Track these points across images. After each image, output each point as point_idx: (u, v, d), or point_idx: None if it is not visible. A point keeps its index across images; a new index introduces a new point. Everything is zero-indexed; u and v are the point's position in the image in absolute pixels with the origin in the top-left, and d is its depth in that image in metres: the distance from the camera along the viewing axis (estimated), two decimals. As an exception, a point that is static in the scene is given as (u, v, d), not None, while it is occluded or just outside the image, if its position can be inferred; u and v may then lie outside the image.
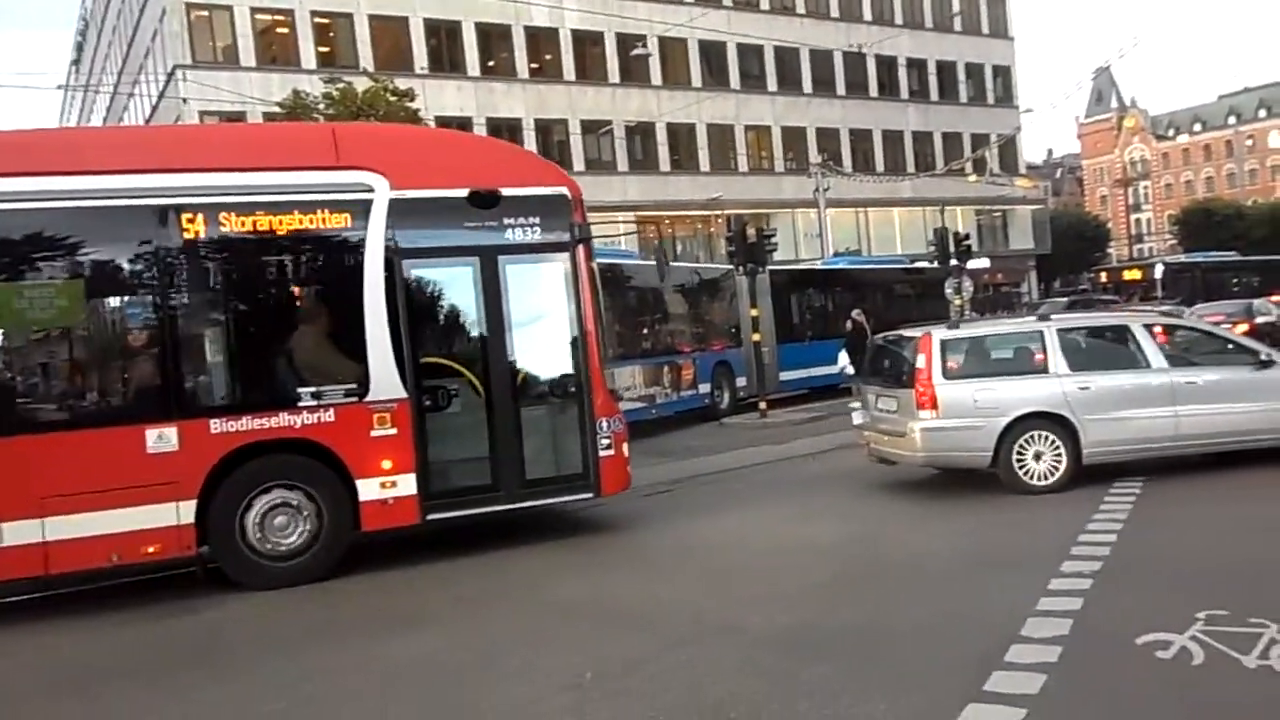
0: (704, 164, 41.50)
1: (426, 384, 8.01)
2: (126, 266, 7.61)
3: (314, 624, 6.80)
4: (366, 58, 33.99)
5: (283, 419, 7.60)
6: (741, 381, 19.53)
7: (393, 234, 7.94)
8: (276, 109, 28.47)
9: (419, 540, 8.48)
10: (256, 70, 32.94)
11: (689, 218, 40.56)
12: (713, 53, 42.19)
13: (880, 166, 46.10)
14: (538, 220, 8.41)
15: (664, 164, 40.43)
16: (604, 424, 8.44)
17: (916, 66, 48.17)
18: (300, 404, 7.64)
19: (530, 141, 36.07)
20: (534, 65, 38.71)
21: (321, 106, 27.82)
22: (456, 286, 8.38)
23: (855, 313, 19.15)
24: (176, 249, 7.60)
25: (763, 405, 17.98)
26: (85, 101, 53.59)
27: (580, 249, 8.52)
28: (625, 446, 8.67)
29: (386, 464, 7.79)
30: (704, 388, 18.68)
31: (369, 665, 5.64)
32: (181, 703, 5.32)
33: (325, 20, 35.04)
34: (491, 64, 37.91)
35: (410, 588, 7.55)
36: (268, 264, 8.00)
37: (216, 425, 7.45)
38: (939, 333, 9.50)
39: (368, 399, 7.78)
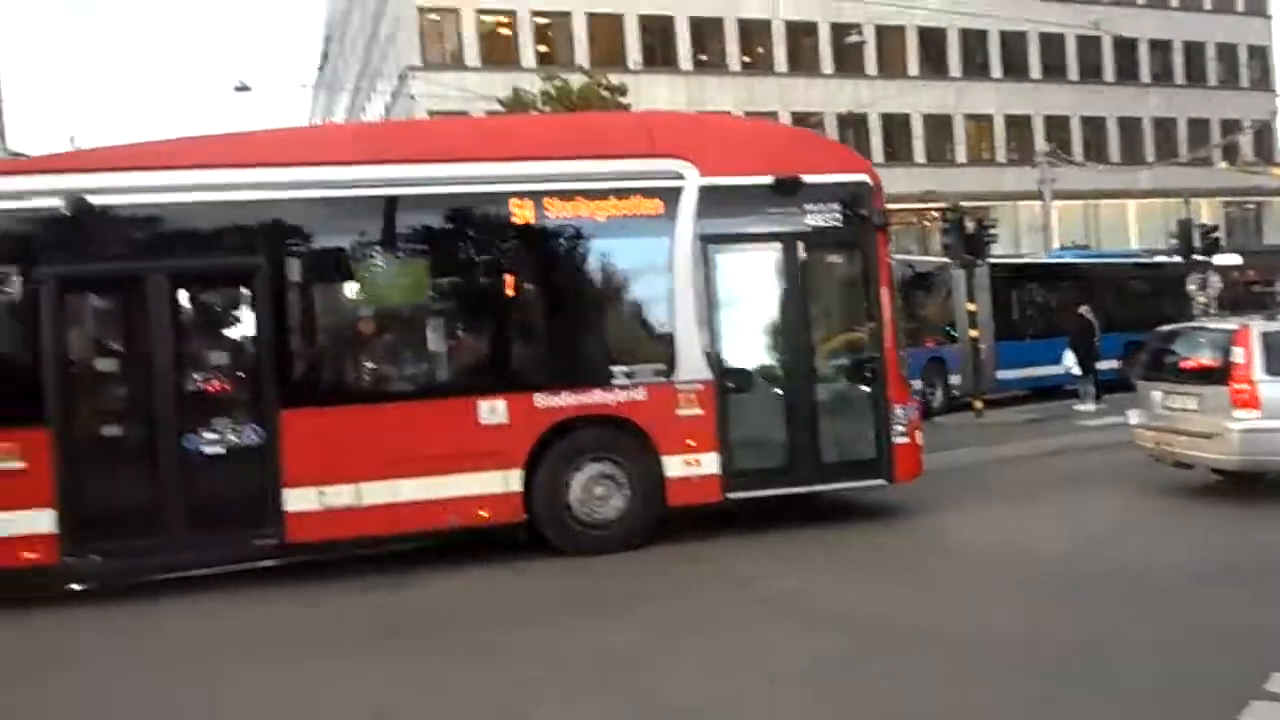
0: (918, 155, 40.06)
1: (729, 367, 8.22)
2: (466, 251, 8.22)
3: (522, 603, 6.90)
4: (583, 55, 34.85)
5: (599, 396, 8.00)
6: (956, 379, 18.66)
7: (701, 220, 8.19)
8: (498, 107, 29.74)
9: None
10: (480, 70, 34.40)
11: (901, 210, 39.23)
12: (931, 39, 40.63)
13: (1115, 156, 43.02)
14: (838, 207, 8.50)
15: (877, 155, 39.16)
16: (899, 411, 8.48)
17: (1160, 48, 44.58)
18: (614, 382, 8.04)
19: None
20: (745, 58, 38.54)
21: (539, 103, 28.80)
22: (759, 272, 8.51)
23: (1083, 309, 17.92)
24: (508, 234, 8.12)
25: (978, 404, 17.12)
26: (330, 101, 57.79)
27: (878, 236, 8.59)
28: (919, 434, 8.73)
29: (691, 442, 8.07)
30: (915, 385, 17.95)
31: (569, 647, 5.67)
32: (380, 670, 5.48)
33: (545, 20, 36.21)
34: (703, 58, 38.03)
35: (622, 571, 7.54)
36: (586, 248, 8.31)
37: (541, 400, 7.89)
38: (1259, 325, 8.62)
39: (675, 380, 8.10)
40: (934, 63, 40.78)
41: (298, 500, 7.44)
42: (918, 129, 40.01)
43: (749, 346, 8.48)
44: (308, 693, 5.23)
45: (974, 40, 41.01)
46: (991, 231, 18.39)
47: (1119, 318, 19.55)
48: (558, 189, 8.06)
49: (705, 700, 4.72)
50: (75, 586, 7.80)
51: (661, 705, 4.73)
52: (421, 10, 35.00)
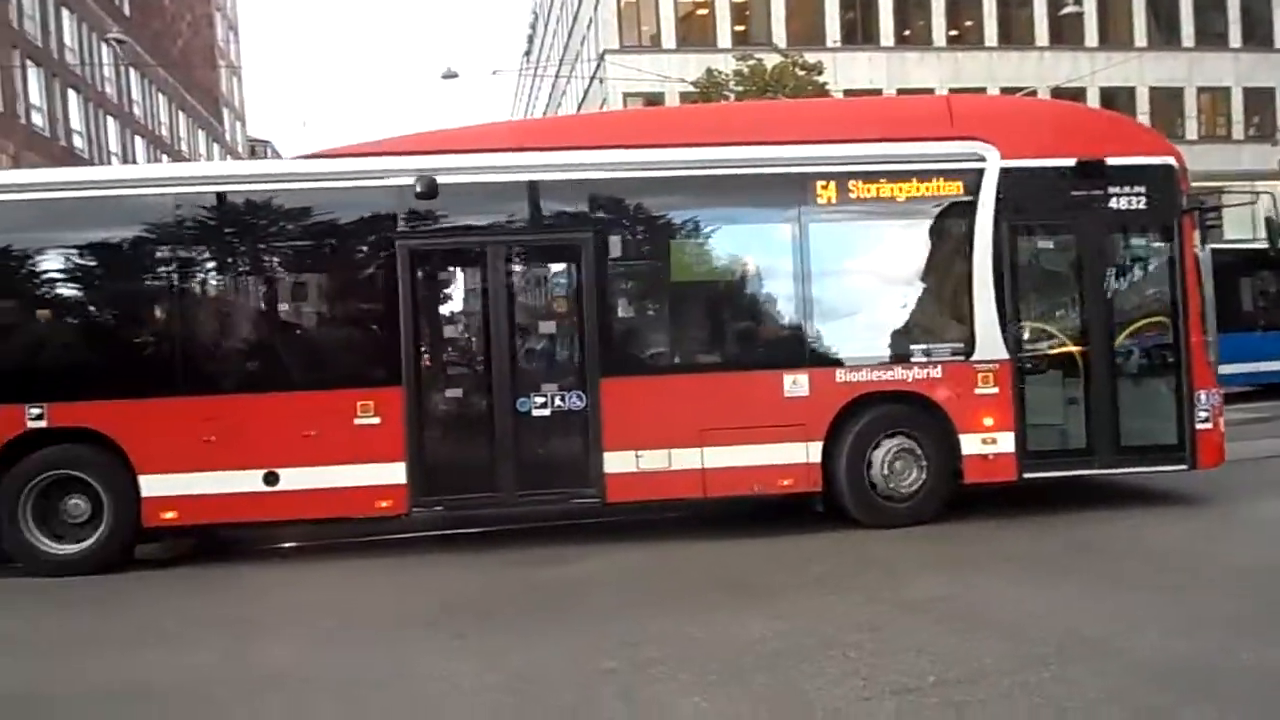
0: (1143, 132, 37.05)
1: (1026, 348, 8.37)
2: (770, 231, 8.52)
3: (666, 588, 6.79)
4: (780, 34, 34.25)
5: (897, 373, 8.24)
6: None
7: (1002, 201, 8.28)
8: (691, 89, 29.73)
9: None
10: (676, 52, 34.47)
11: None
12: (1162, 5, 37.50)
13: (1376, 133, 38.45)
14: (1143, 190, 8.45)
15: (1095, 132, 36.69)
16: (1203, 396, 8.42)
17: None
18: (913, 360, 8.25)
19: (943, 112, 34.41)
20: (953, 32, 36.82)
21: (732, 84, 28.59)
22: (1060, 254, 8.67)
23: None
24: (812, 215, 8.32)
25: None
26: (533, 87, 59.60)
27: (1185, 220, 8.55)
28: (1222, 421, 8.60)
29: (988, 421, 8.22)
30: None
31: (705, 639, 5.47)
32: (523, 649, 5.53)
33: (742, 0, 35.84)
34: (907, 33, 36.63)
35: (765, 563, 7.37)
36: (886, 229, 8.50)
37: (841, 375, 8.19)
38: None
39: (973, 358, 8.26)
40: (1165, 32, 37.64)
41: (616, 463, 7.94)
42: (1143, 103, 36.95)
43: (1048, 328, 8.55)
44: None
45: (1210, 6, 37.52)
46: (1214, 214, 16.80)
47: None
48: (860, 170, 8.28)
49: (838, 705, 4.51)
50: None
51: (797, 706, 4.56)
52: (621, -7, 35.40)
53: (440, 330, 8.48)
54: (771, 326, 8.59)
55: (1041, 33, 36.77)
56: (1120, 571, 6.68)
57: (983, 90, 35.81)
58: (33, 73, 34.99)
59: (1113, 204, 8.41)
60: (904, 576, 6.62)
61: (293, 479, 7.72)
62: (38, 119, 35.11)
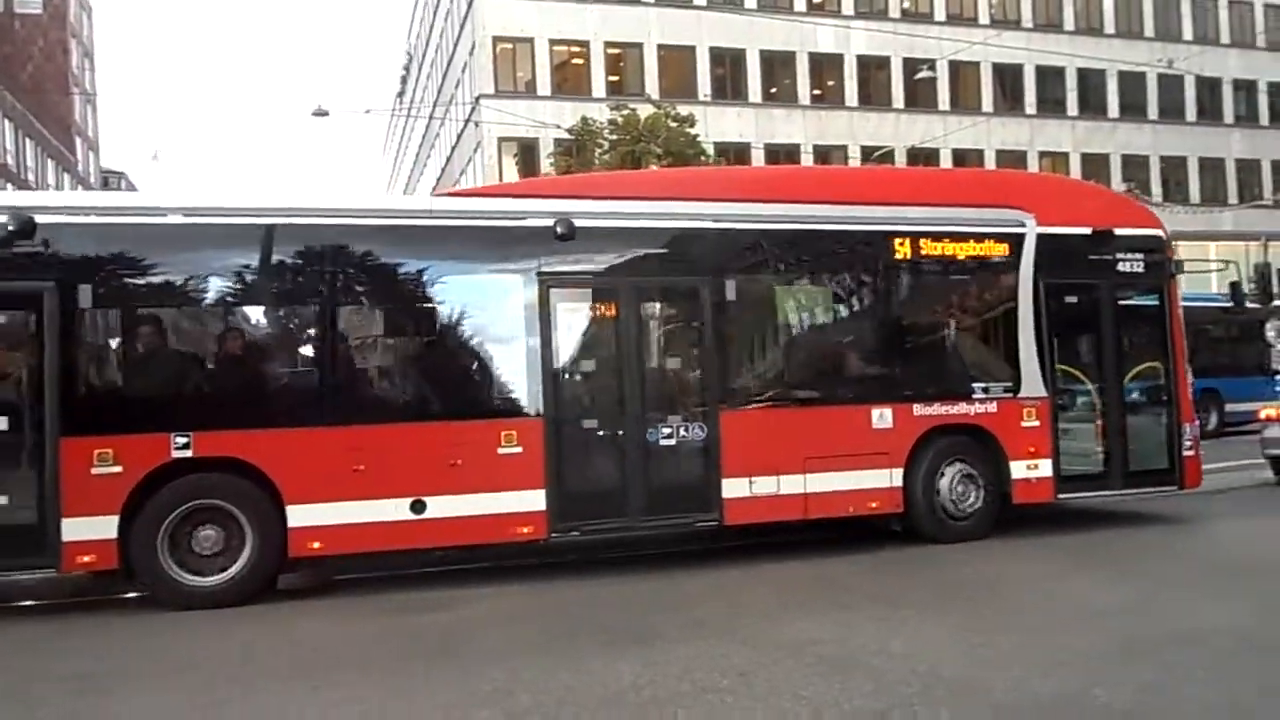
0: (992, 192, 39.24)
1: (1060, 386, 9.69)
2: (858, 282, 9.57)
3: (545, 633, 6.58)
4: (653, 86, 35.06)
5: (961, 408, 9.38)
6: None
7: (1038, 262, 9.60)
8: (566, 135, 30.06)
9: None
10: (551, 99, 34.83)
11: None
12: (1008, 75, 40.10)
13: (1196, 197, 41.84)
14: (1140, 255, 10.09)
15: (947, 191, 38.73)
16: (1187, 429, 10.02)
17: (1245, 88, 43.33)
18: (974, 396, 9.40)
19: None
20: (816, 91, 38.42)
21: (606, 132, 29.05)
22: (1081, 308, 9.97)
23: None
24: (890, 270, 9.44)
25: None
26: (406, 128, 59.05)
27: (1172, 281, 10.26)
28: (1200, 449, 10.19)
29: (1032, 449, 9.47)
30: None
31: (579, 686, 5.30)
32: (396, 698, 5.43)
33: (617, 50, 36.56)
34: (774, 90, 38.01)
35: (644, 606, 7.32)
36: (949, 283, 9.78)
37: (918, 409, 9.22)
38: None
39: (1019, 395, 9.50)
40: (1010, 99, 40.21)
41: (733, 488, 8.59)
42: (991, 165, 39.28)
43: (1073, 370, 9.90)
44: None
45: (1051, 77, 40.29)
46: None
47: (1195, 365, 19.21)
48: (930, 231, 9.42)
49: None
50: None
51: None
52: (496, 39, 35.61)
53: (576, 364, 8.81)
54: (862, 366, 9.54)
55: (898, 95, 38.76)
56: (981, 612, 6.90)
57: (844, 148, 37.53)
58: None
59: (1119, 267, 9.97)
60: (779, 619, 6.72)
61: (439, 507, 7.91)
62: None
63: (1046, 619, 6.56)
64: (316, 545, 7.74)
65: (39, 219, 7.40)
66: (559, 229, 8.33)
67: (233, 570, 7.59)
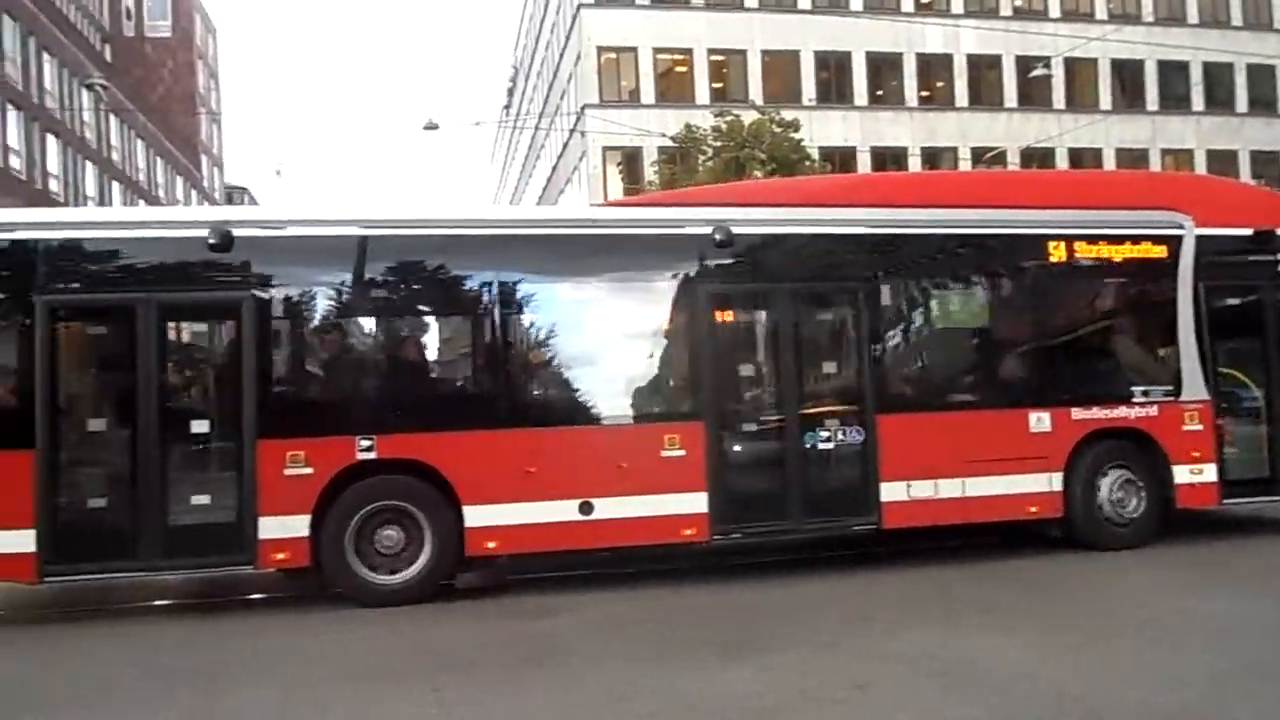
0: (1110, 192, 37.85)
1: (1222, 389, 9.45)
2: (1012, 285, 9.51)
3: (655, 641, 6.62)
4: (756, 91, 35.00)
5: (1121, 411, 9.23)
6: None
7: (1198, 264, 9.44)
8: (670, 143, 30.18)
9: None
10: (655, 107, 35.02)
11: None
12: (1127, 71, 38.69)
13: (1332, 193, 39.60)
14: None
15: (1063, 192, 37.47)
16: None
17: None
18: (1134, 400, 9.25)
19: (916, 169, 35.12)
20: (924, 93, 37.74)
21: (710, 139, 29.04)
22: (1242, 310, 9.85)
23: None
24: (1047, 273, 9.32)
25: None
26: (513, 139, 60.18)
27: None
28: None
29: (1195, 454, 9.26)
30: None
31: (695, 693, 5.36)
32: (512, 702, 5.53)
33: (720, 57, 36.56)
34: (880, 93, 37.50)
35: (752, 615, 7.32)
36: (1107, 285, 9.63)
37: (1076, 413, 9.09)
38: None
39: (1181, 399, 9.32)
40: (1130, 96, 38.79)
41: (890, 492, 8.61)
42: (1109, 164, 37.94)
43: (1235, 372, 9.65)
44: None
45: (1174, 72, 38.73)
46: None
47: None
48: (1087, 234, 9.32)
49: None
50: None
51: None
52: (601, 49, 35.98)
53: (736, 369, 8.93)
54: (1020, 370, 9.42)
55: (1010, 94, 37.77)
56: (1108, 625, 6.64)
57: (954, 150, 36.73)
58: (12, 116, 34.98)
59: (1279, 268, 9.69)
60: (897, 630, 6.59)
61: (606, 508, 8.08)
62: (15, 162, 35.03)
63: (1176, 634, 6.33)
64: (492, 545, 7.95)
65: (236, 233, 7.79)
66: (717, 236, 8.46)
67: (414, 569, 7.85)
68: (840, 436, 8.65)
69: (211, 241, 7.67)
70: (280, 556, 7.65)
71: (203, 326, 8.44)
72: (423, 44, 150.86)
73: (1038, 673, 5.51)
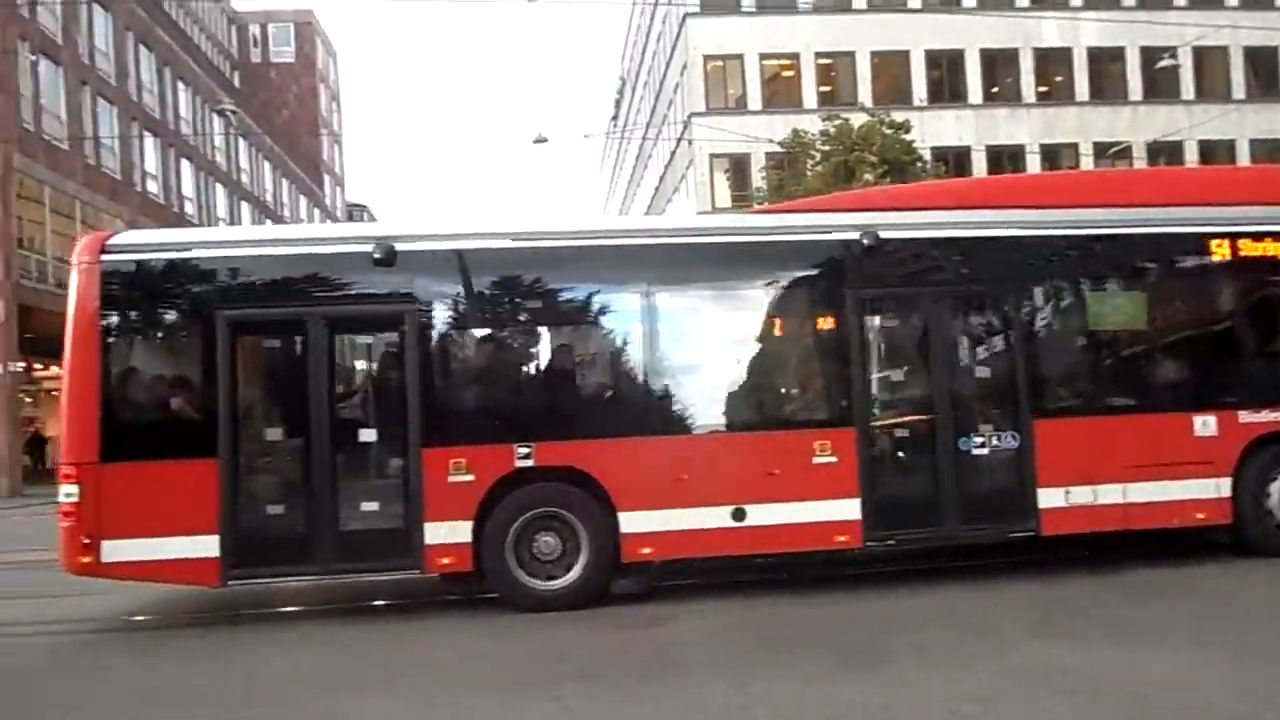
0: (1244, 185, 35.94)
1: None
2: (1178, 286, 9.18)
3: (764, 649, 6.51)
4: (865, 94, 34.52)
5: None
6: None
7: None
8: (777, 148, 29.99)
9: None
10: (762, 113, 34.88)
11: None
12: (1262, 58, 36.75)
13: None
14: None
15: (1193, 187, 35.73)
16: None
17: None
18: None
19: (1035, 167, 34.10)
20: (1042, 88, 36.60)
21: (818, 143, 28.75)
22: None
23: None
24: (1207, 272, 9.02)
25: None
26: (620, 150, 60.72)
27: None
28: None
29: None
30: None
31: (811, 703, 5.31)
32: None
33: (828, 61, 36.24)
34: (995, 90, 36.54)
35: (864, 625, 7.15)
36: (1272, 286, 9.13)
37: (1244, 416, 8.75)
38: None
39: None
40: (1264, 84, 36.79)
41: (1048, 498, 8.39)
42: (1243, 156, 36.11)
43: None
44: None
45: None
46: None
47: None
48: (1250, 231, 8.93)
49: None
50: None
51: None
52: (707, 58, 36.04)
53: (887, 373, 8.90)
54: (1181, 372, 9.08)
55: (1135, 87, 36.31)
56: (1252, 641, 6.26)
57: (1074, 145, 35.46)
58: (149, 142, 36.94)
59: None
60: (1020, 644, 6.33)
61: (758, 515, 8.06)
62: (153, 186, 36.95)
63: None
64: (647, 551, 7.99)
65: (399, 247, 8.03)
66: (865, 240, 8.40)
67: (571, 575, 7.94)
68: (995, 442, 8.46)
69: (376, 256, 7.92)
70: (445, 561, 7.81)
71: (369, 338, 8.74)
72: (532, 61, 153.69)
73: (1183, 690, 5.22)
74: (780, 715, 5.12)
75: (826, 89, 35.91)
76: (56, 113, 30.05)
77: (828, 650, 6.41)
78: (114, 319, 7.86)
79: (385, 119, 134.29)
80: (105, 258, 7.87)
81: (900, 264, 8.73)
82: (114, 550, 7.48)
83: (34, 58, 28.60)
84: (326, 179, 65.98)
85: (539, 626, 7.51)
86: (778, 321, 8.77)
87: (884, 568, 8.92)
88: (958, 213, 8.89)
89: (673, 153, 40.05)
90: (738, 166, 35.15)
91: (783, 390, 8.81)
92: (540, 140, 31.77)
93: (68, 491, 7.53)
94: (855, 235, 8.44)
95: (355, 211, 69.49)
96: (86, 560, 7.51)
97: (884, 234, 8.46)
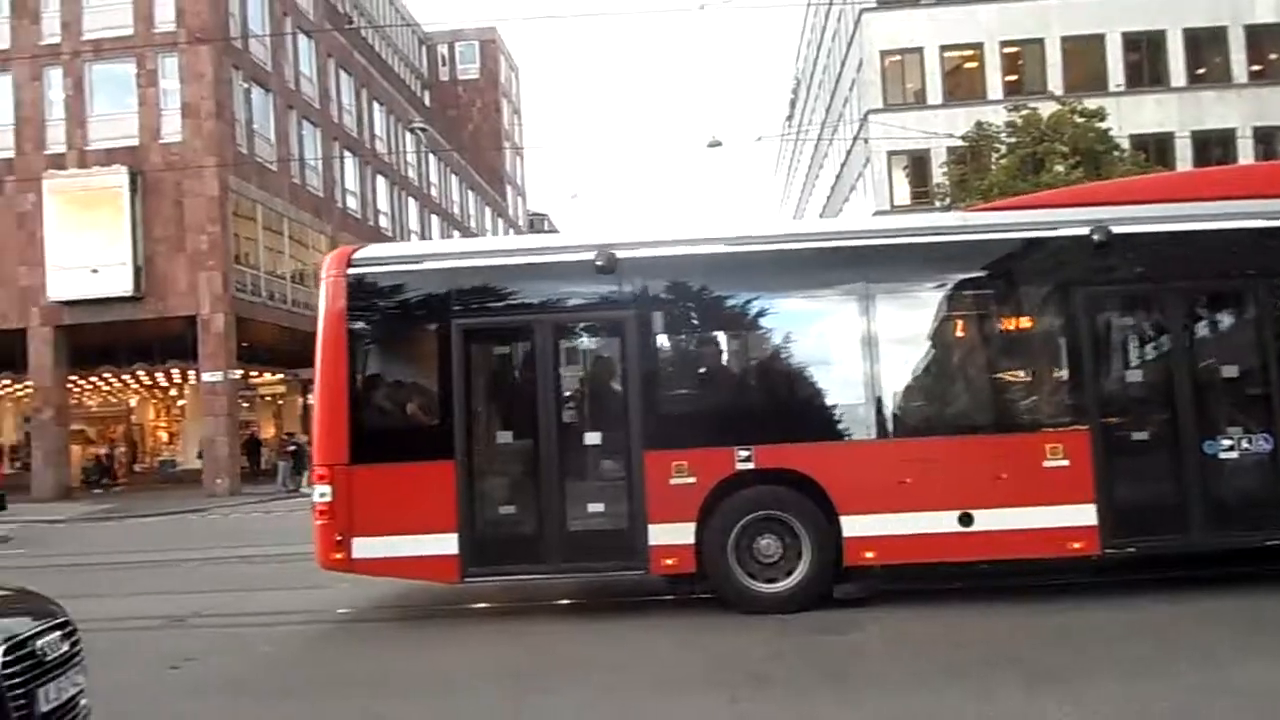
0: None
1: None
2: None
3: (951, 661, 6.37)
4: (1055, 81, 33.03)
5: None
6: None
7: None
8: (959, 143, 29.12)
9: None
10: (943, 107, 33.92)
11: None
12: None
13: None
14: None
15: None
16: None
17: None
18: None
19: (1246, 153, 31.74)
20: (1255, 67, 34.02)
21: (1004, 135, 27.75)
22: None
23: None
24: None
25: None
26: (795, 151, 60.35)
27: None
28: None
29: None
30: None
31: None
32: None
33: (1014, 49, 34.85)
34: (1200, 71, 34.21)
35: (1052, 640, 6.86)
36: None
37: None
38: None
39: None
40: None
41: None
42: None
43: None
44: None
45: None
46: None
47: None
48: None
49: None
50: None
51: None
52: (884, 53, 35.36)
53: (1122, 373, 8.57)
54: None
55: (1364, 60, 33.29)
56: None
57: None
58: (349, 162, 39.34)
59: None
60: (1224, 661, 5.98)
61: (986, 520, 7.87)
62: (352, 202, 39.31)
63: None
64: (870, 555, 7.90)
65: (619, 254, 8.25)
66: (1096, 236, 8.06)
67: (793, 577, 7.93)
68: (1245, 445, 7.94)
69: (598, 264, 8.16)
70: (669, 563, 7.93)
71: (592, 343, 8.92)
72: (706, 66, 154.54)
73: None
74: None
75: (1013, 78, 34.53)
76: (266, 136, 32.37)
77: (1018, 663, 6.21)
78: (359, 327, 8.34)
79: (564, 130, 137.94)
80: (351, 270, 8.38)
81: (1135, 259, 8.27)
82: (364, 547, 7.93)
83: (246, 86, 30.99)
84: (509, 189, 68.41)
85: (723, 628, 7.59)
86: (1003, 322, 8.53)
87: (1070, 579, 8.50)
88: (1191, 205, 8.36)
89: (849, 151, 39.46)
90: (917, 163, 34.30)
91: (1009, 392, 8.51)
92: (714, 144, 31.80)
93: (321, 491, 8.03)
94: (1085, 231, 8.09)
95: (536, 220, 71.70)
96: (339, 557, 7.99)
97: (1116, 229, 8.08)
